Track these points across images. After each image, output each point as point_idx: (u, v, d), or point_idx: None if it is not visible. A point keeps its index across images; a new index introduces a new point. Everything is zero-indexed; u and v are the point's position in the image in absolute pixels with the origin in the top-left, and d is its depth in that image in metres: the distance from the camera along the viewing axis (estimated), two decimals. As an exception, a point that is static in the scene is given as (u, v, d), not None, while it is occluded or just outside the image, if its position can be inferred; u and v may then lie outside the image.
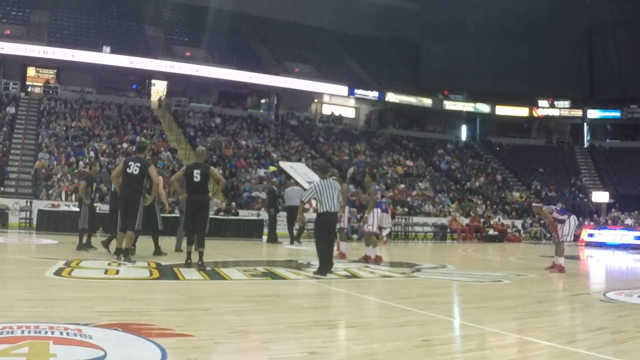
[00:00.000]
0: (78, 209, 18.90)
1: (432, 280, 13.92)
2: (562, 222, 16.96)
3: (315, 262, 15.13)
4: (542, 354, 6.64)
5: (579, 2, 60.38)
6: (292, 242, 26.01)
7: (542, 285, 13.90)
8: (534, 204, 21.47)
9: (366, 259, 17.61)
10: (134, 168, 14.06)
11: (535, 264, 20.04)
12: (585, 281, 17.01)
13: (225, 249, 20.39)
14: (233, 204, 33.30)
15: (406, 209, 40.36)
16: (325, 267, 13.72)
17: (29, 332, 6.17)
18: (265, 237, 29.17)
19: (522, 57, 61.02)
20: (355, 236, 31.48)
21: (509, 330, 7.84)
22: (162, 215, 17.19)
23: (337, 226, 17.06)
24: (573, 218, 17.34)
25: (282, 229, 28.94)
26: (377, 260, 17.42)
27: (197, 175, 13.61)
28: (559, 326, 8.49)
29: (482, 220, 39.96)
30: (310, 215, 21.75)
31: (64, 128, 41.44)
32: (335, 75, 58.80)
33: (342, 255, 17.93)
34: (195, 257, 13.62)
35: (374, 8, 62.17)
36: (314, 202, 14.87)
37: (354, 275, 13.93)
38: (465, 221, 39.45)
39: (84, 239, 17.44)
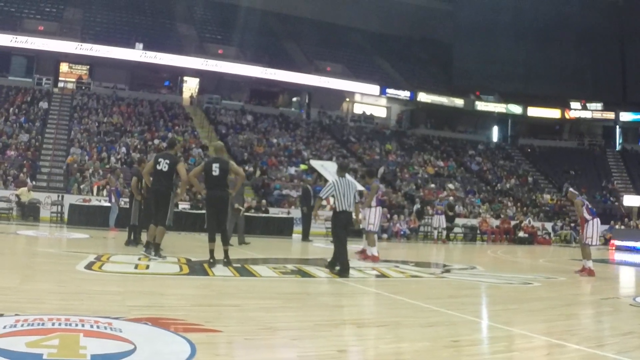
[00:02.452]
0: (128, 205, 19.16)
1: (461, 281, 13.87)
2: (587, 221, 16.95)
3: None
4: (570, 357, 6.60)
5: (611, 4, 60.02)
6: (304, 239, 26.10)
7: (572, 288, 13.83)
8: (571, 189, 21.31)
9: (365, 257, 17.46)
10: (164, 165, 14.11)
11: (565, 266, 19.92)
12: (614, 285, 16.89)
13: (254, 246, 20.44)
14: (263, 201, 33.39)
15: (436, 210, 40.33)
16: (346, 267, 13.42)
17: (60, 324, 6.22)
18: (295, 235, 29.32)
19: (555, 59, 60.45)
20: (385, 235, 31.65)
21: (537, 332, 7.77)
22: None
23: (366, 227, 17.13)
24: (597, 220, 17.21)
25: (315, 227, 29.00)
26: (374, 259, 17.01)
27: (216, 169, 13.44)
28: (587, 329, 8.46)
29: (512, 222, 39.75)
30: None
31: (96, 124, 41.73)
32: (367, 74, 58.67)
33: (374, 258, 17.54)
34: (219, 255, 13.58)
35: (406, 8, 61.87)
36: (331, 200, 14.83)
37: (383, 275, 13.90)
38: (495, 223, 39.29)
39: (132, 235, 17.74)
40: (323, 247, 23.60)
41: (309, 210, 27.64)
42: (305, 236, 27.16)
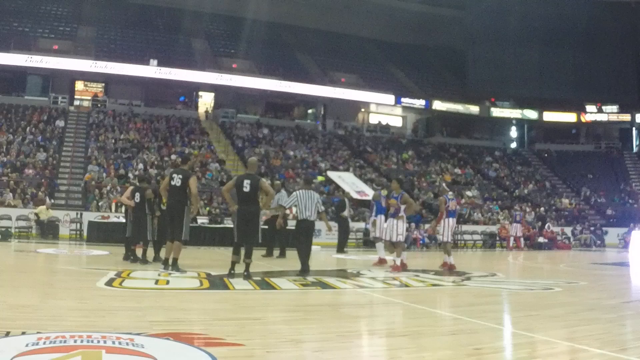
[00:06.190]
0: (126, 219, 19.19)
1: (482, 289, 13.82)
2: (443, 219, 18.80)
3: (365, 271, 15.35)
4: (593, 362, 6.58)
5: (625, 5, 59.68)
6: (339, 251, 26.05)
7: (593, 292, 13.72)
8: (443, 184, 22.28)
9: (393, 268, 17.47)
10: (177, 180, 14.45)
11: (586, 271, 19.84)
12: (636, 288, 16.79)
13: (274, 259, 20.43)
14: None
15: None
16: (307, 269, 15.06)
17: (82, 341, 6.22)
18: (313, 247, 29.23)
19: (569, 62, 60.14)
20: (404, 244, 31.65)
21: (559, 338, 7.72)
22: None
23: (395, 238, 17.14)
24: (453, 220, 19.22)
25: (331, 238, 28.90)
26: (403, 267, 17.16)
27: (246, 185, 13.68)
28: (610, 334, 8.34)
29: (531, 227, 39.60)
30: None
31: (113, 140, 41.90)
32: (381, 84, 58.66)
33: (404, 266, 17.45)
34: (240, 268, 13.69)
35: (417, 16, 61.67)
36: (294, 209, 16.58)
37: (403, 284, 13.88)
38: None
39: (129, 249, 17.73)
40: (344, 258, 23.60)
41: (344, 221, 27.44)
42: (341, 248, 26.84)
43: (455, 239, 36.63)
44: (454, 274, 16.61)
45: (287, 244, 22.23)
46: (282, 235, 22.19)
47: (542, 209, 47.05)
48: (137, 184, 18.98)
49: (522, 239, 36.14)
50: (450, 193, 20.43)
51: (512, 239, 36.23)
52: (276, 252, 22.13)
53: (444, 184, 23.38)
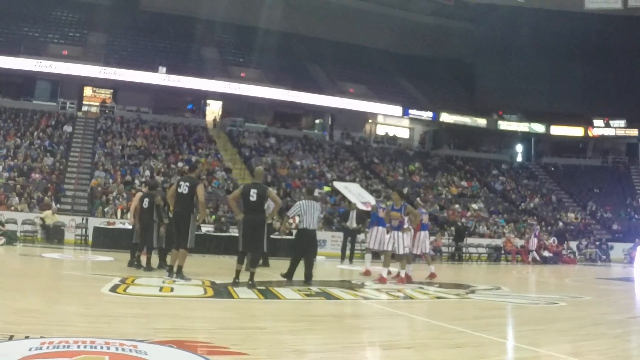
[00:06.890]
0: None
1: (486, 302, 13.78)
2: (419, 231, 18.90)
3: (369, 283, 15.34)
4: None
5: (633, 20, 59.57)
6: (343, 261, 26.07)
7: (599, 307, 13.66)
8: (418, 199, 22.40)
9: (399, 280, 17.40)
10: (184, 187, 14.46)
11: (591, 286, 19.77)
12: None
13: (278, 268, 20.43)
14: (287, 224, 33.33)
15: (460, 230, 40.12)
16: (292, 273, 15.62)
17: (85, 347, 6.21)
18: (319, 257, 29.19)
19: (577, 76, 60.03)
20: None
21: (564, 353, 7.67)
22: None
23: (401, 251, 17.13)
24: (425, 233, 19.33)
25: (336, 249, 28.79)
26: (408, 280, 17.15)
27: (253, 194, 13.69)
28: (615, 349, 8.30)
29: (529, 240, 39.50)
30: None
31: (120, 147, 41.92)
32: (389, 95, 58.60)
33: (408, 278, 17.45)
34: (245, 277, 13.68)
35: (427, 28, 61.78)
36: (297, 219, 17.15)
37: (408, 297, 13.85)
38: (519, 242, 38.97)
39: (135, 255, 17.72)
40: (349, 269, 23.55)
41: (348, 232, 27.31)
42: (344, 259, 26.77)
43: (462, 252, 36.70)
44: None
45: (270, 253, 22.18)
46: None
47: (560, 224, 47.07)
48: (144, 190, 18.96)
49: (530, 253, 36.04)
50: (424, 208, 20.90)
51: (533, 252, 36.07)
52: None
53: (418, 199, 23.69)
